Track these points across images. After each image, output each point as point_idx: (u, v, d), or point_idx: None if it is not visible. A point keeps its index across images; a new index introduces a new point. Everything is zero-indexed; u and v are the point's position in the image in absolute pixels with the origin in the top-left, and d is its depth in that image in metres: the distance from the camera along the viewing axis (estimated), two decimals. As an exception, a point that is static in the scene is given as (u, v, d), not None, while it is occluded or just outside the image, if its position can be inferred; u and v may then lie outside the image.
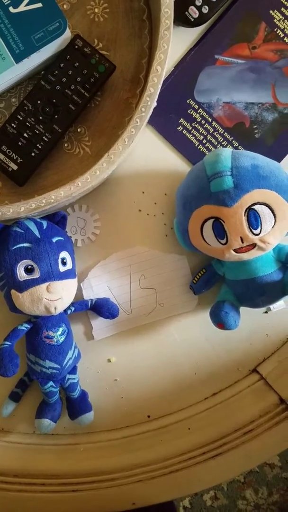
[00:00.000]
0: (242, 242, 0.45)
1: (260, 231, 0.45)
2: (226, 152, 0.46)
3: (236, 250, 0.46)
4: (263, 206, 0.45)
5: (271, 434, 0.53)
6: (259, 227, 0.45)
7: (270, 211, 0.45)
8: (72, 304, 0.51)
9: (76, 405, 0.53)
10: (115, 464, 0.54)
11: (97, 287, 0.55)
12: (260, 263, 0.48)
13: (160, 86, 0.46)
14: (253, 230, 0.45)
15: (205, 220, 0.47)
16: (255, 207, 0.45)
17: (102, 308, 0.53)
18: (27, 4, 0.46)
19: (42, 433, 0.54)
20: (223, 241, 0.46)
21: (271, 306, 0.55)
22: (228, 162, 0.45)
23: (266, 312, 0.56)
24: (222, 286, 0.52)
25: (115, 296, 0.55)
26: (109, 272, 0.55)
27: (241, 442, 0.53)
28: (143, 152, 0.54)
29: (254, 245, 0.46)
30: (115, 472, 0.53)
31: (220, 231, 0.46)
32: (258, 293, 0.48)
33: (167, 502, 0.57)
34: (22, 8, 0.46)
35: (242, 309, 0.52)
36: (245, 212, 0.45)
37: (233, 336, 0.55)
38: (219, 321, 0.48)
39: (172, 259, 0.55)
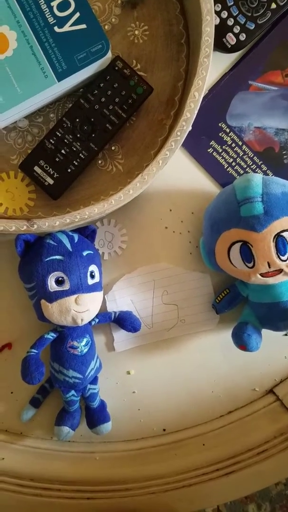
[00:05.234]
0: (269, 267, 0.46)
1: None
2: (257, 178, 0.47)
3: (262, 274, 0.47)
4: (292, 234, 0.46)
5: (284, 455, 0.53)
6: (287, 253, 0.46)
7: (298, 239, 0.46)
8: (97, 315, 0.52)
9: (95, 414, 0.54)
10: (129, 475, 0.55)
11: (120, 300, 0.56)
12: (285, 288, 0.48)
13: (196, 112, 0.47)
14: (280, 256, 0.46)
15: (233, 243, 0.48)
16: (284, 234, 0.46)
17: (125, 322, 0.54)
18: (72, 25, 0.47)
19: (60, 440, 0.55)
20: (250, 265, 0.47)
21: (292, 330, 0.55)
22: (259, 188, 0.46)
23: (286, 334, 0.57)
24: (245, 307, 0.53)
25: (138, 309, 0.56)
26: (133, 286, 0.56)
27: (254, 462, 0.54)
28: (172, 171, 0.55)
29: (280, 271, 0.47)
30: (129, 482, 0.54)
31: (247, 255, 0.47)
32: (281, 317, 0.49)
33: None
34: (66, 28, 0.47)
35: (262, 331, 0.52)
36: (273, 238, 0.46)
37: (252, 356, 0.55)
38: (242, 343, 0.49)
39: (196, 277, 0.56)
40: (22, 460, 0.55)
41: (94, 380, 0.54)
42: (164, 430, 0.57)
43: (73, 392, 0.52)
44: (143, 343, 0.56)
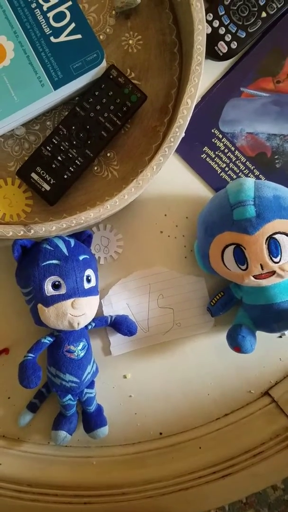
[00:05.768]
0: (262, 269, 0.47)
1: (280, 259, 0.47)
2: (249, 182, 0.48)
3: (255, 276, 0.48)
4: (283, 236, 0.47)
5: (280, 457, 0.54)
6: (279, 255, 0.47)
7: (290, 241, 0.47)
8: (93, 319, 0.53)
9: (92, 419, 0.54)
10: (126, 479, 0.55)
11: (116, 304, 0.57)
12: (278, 290, 0.49)
13: (189, 118, 0.48)
14: (273, 258, 0.47)
15: (226, 246, 0.48)
16: (276, 236, 0.46)
17: (121, 325, 0.54)
18: (67, 35, 0.49)
19: (57, 445, 0.55)
20: (243, 267, 0.48)
21: (286, 332, 0.56)
22: (251, 192, 0.47)
23: (280, 336, 0.57)
24: (239, 310, 0.54)
25: (134, 313, 0.57)
26: (129, 290, 0.57)
27: (250, 464, 0.54)
28: (167, 177, 0.56)
29: (273, 272, 0.47)
30: (126, 486, 0.54)
31: (240, 257, 0.48)
32: (275, 319, 0.50)
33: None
34: (62, 38, 0.49)
35: (257, 333, 0.53)
36: (266, 240, 0.47)
37: (247, 358, 0.56)
38: (236, 345, 0.50)
39: (190, 280, 0.57)
40: (19, 465, 0.55)
41: (91, 384, 0.54)
42: (160, 433, 0.57)
43: (70, 396, 0.52)
44: (139, 346, 0.57)
